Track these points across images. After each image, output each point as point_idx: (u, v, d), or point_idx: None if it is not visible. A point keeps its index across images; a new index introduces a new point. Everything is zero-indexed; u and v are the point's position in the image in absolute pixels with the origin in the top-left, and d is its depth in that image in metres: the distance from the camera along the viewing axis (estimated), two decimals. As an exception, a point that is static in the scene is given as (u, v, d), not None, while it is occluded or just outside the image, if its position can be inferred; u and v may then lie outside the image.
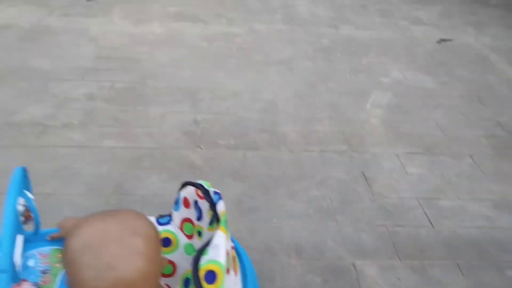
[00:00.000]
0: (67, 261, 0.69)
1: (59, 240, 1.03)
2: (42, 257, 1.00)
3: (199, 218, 1.01)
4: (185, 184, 1.03)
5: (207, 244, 0.82)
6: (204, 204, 0.99)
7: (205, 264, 0.78)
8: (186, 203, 1.05)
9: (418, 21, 4.43)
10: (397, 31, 4.12)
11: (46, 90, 2.65)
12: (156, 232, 0.75)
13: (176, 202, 1.06)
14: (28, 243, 1.00)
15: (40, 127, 2.31)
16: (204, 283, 0.76)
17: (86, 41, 3.37)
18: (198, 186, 0.99)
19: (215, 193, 0.95)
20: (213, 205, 0.94)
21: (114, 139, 2.27)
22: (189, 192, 1.03)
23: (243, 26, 4.04)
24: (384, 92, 2.99)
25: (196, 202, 1.02)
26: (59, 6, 4.06)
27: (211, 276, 0.77)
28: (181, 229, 1.07)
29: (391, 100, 2.89)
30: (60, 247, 1.01)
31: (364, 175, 2.15)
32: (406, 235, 1.79)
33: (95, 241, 0.68)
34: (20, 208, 0.95)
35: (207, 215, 0.98)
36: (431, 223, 1.87)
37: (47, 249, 1.01)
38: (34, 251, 1.00)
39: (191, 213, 1.04)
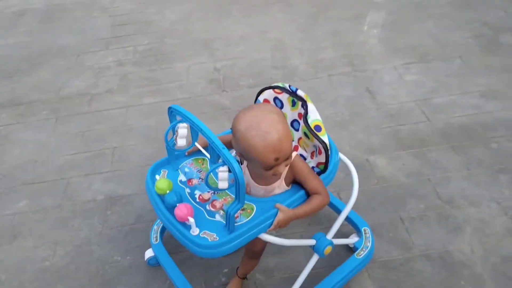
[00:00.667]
0: (239, 139, 1.15)
1: (193, 153, 1.42)
2: (191, 165, 1.38)
3: (281, 108, 1.42)
4: (261, 90, 1.42)
5: (306, 113, 1.30)
6: (283, 96, 1.40)
7: (312, 122, 1.29)
8: (266, 102, 1.44)
9: None
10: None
11: (81, 63, 3.01)
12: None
13: None
14: (177, 159, 1.39)
15: (88, 96, 2.70)
16: (316, 133, 1.27)
17: (99, 13, 3.65)
18: (274, 87, 1.40)
19: (290, 86, 1.37)
20: (292, 93, 1.36)
21: (152, 96, 2.65)
22: (268, 94, 1.42)
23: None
24: (378, 12, 3.25)
25: (275, 98, 1.42)
26: (63, -18, 4.28)
27: (318, 128, 1.28)
28: None
29: (385, 18, 3.16)
30: (196, 157, 1.41)
31: (368, 90, 2.51)
32: (407, 131, 2.18)
33: (252, 121, 1.13)
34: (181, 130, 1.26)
35: (287, 103, 1.40)
36: (428, 118, 2.25)
37: (189, 160, 1.40)
38: (184, 163, 1.39)
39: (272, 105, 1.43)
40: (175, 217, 1.17)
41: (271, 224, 1.19)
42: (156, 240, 1.69)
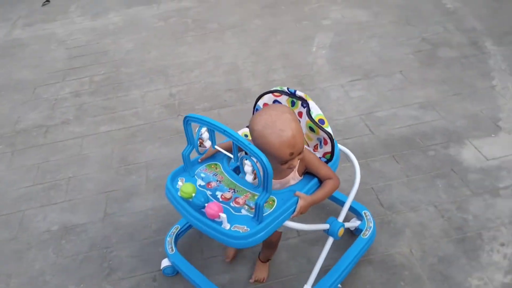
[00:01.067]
0: (256, 138, 1.28)
1: (205, 160, 1.49)
2: (205, 170, 1.46)
3: None
4: (261, 95, 1.56)
5: (308, 110, 1.45)
6: (282, 99, 1.54)
7: (315, 116, 1.44)
8: (266, 106, 1.55)
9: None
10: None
11: (38, 96, 3.03)
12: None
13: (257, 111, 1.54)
14: (193, 166, 1.47)
15: (44, 128, 2.72)
16: (321, 125, 1.43)
17: (56, 45, 3.70)
18: (273, 91, 1.54)
19: (288, 88, 1.52)
20: (291, 94, 1.50)
21: (107, 125, 2.70)
22: (267, 98, 1.56)
23: (192, -2, 4.37)
24: (326, 34, 3.42)
25: (274, 101, 1.55)
26: (19, 17, 4.32)
27: (322, 121, 1.44)
28: None
29: (332, 39, 3.33)
30: (209, 163, 1.48)
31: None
32: (353, 144, 2.30)
33: (268, 121, 1.27)
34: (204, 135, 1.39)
35: (287, 104, 1.53)
36: (371, 131, 2.38)
37: (203, 166, 1.48)
38: (199, 170, 1.47)
39: None
40: (205, 216, 1.27)
41: (294, 211, 1.32)
42: (172, 250, 1.75)
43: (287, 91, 1.51)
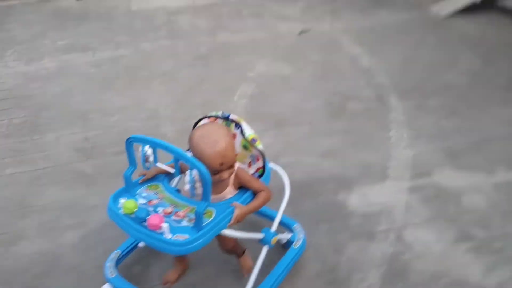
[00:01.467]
0: (193, 146, 1.49)
1: (146, 182, 1.61)
2: (146, 190, 1.57)
3: None
4: (198, 121, 1.76)
5: (242, 130, 1.70)
6: (217, 122, 1.74)
7: (248, 136, 1.68)
8: None
9: (285, 17, 5.13)
10: (266, 30, 4.77)
11: None
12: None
13: None
14: (134, 187, 1.58)
15: None
16: (253, 144, 1.67)
17: (-19, 87, 3.68)
18: (209, 116, 1.76)
19: (222, 112, 1.75)
20: (225, 118, 1.73)
21: (14, 167, 2.66)
22: (203, 123, 1.74)
23: (129, 47, 4.50)
24: (249, 84, 3.59)
25: None
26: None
27: (254, 140, 1.68)
28: None
29: (254, 90, 3.49)
30: (149, 184, 1.59)
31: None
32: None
33: (204, 133, 1.50)
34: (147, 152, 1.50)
35: None
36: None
37: (144, 187, 1.59)
38: (140, 191, 1.57)
39: None
40: (147, 229, 1.38)
41: (231, 219, 1.47)
42: (113, 274, 1.75)
43: (221, 115, 1.74)
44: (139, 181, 1.59)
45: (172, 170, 1.50)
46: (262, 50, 4.26)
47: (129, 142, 1.48)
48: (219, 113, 1.74)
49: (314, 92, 3.41)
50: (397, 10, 5.12)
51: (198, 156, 1.45)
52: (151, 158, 1.49)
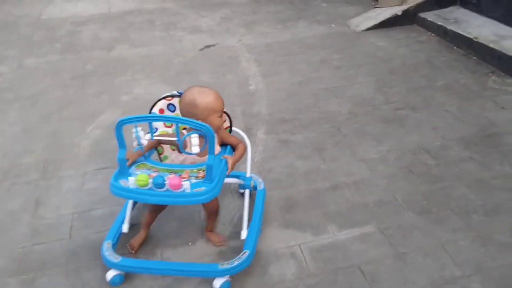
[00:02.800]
0: (183, 108, 1.77)
1: (132, 164, 1.75)
2: (137, 170, 1.72)
3: (174, 110, 2.00)
4: (155, 103, 1.97)
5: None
6: (174, 101, 1.98)
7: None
8: (162, 112, 2.00)
9: (196, 30, 4.76)
10: (169, 44, 4.40)
11: None
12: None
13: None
14: (126, 169, 1.71)
15: None
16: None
17: None
18: (165, 97, 1.97)
19: (177, 91, 1.96)
20: (181, 94, 1.88)
21: None
22: (161, 104, 1.99)
23: (13, 63, 4.13)
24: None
25: (168, 105, 1.99)
26: None
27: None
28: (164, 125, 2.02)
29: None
30: (137, 164, 1.75)
31: (38, 201, 2.34)
32: (42, 251, 2.01)
33: (199, 90, 1.77)
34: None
35: (178, 103, 1.94)
36: (70, 235, 2.09)
37: (133, 168, 1.73)
38: (131, 171, 1.71)
39: (167, 112, 1.99)
40: (168, 191, 1.57)
41: (227, 169, 1.74)
42: (117, 258, 1.81)
43: (177, 93, 1.96)
44: (127, 164, 1.70)
45: (174, 138, 1.66)
46: (153, 68, 3.90)
47: (120, 125, 1.58)
48: (175, 92, 1.98)
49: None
50: (319, 22, 4.78)
51: (205, 108, 1.73)
52: (146, 137, 1.75)
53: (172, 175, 1.63)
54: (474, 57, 3.76)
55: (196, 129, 1.59)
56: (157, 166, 1.73)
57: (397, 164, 2.52)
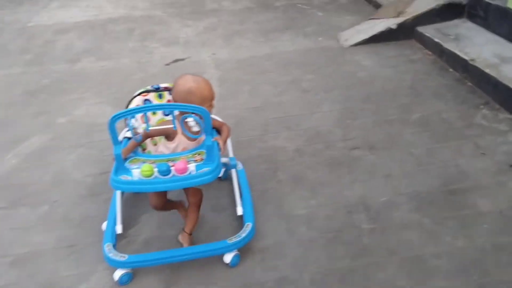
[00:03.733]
0: (177, 95, 1.79)
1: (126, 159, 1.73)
2: (133, 164, 1.69)
3: None
4: (131, 99, 1.97)
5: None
6: (150, 96, 2.01)
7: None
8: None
9: (173, 41, 4.44)
10: (137, 58, 4.10)
11: None
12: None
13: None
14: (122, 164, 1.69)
15: None
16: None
17: None
18: (141, 92, 1.99)
19: (152, 86, 2.01)
20: (156, 89, 2.02)
21: None
22: (137, 100, 1.97)
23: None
24: (43, 136, 2.94)
25: (145, 101, 1.99)
26: None
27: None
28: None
29: (40, 145, 2.84)
30: (130, 159, 1.73)
31: None
32: None
33: (192, 78, 1.81)
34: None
35: (154, 99, 2.02)
36: None
37: (127, 164, 1.69)
38: (127, 165, 1.68)
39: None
40: (175, 176, 1.60)
41: (220, 149, 1.75)
42: (124, 257, 1.80)
43: (152, 88, 2.01)
44: (123, 157, 1.69)
45: (170, 125, 1.70)
46: (107, 85, 3.60)
47: (113, 121, 1.56)
48: (149, 87, 2.01)
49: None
50: (305, 35, 4.30)
51: (198, 95, 1.77)
52: (140, 128, 1.81)
53: (177, 161, 1.65)
54: (469, 83, 3.16)
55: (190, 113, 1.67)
56: (151, 158, 1.71)
57: (323, 226, 2.05)
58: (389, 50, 3.85)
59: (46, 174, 2.56)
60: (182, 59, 4.01)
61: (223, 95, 3.29)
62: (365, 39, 3.97)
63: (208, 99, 1.81)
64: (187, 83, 1.79)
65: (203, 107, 1.61)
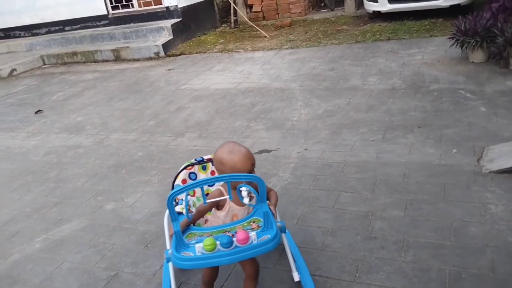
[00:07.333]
0: (227, 161, 1.81)
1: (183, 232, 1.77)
2: (190, 240, 1.70)
3: (195, 178, 2.12)
4: (177, 174, 2.08)
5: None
6: (195, 169, 2.12)
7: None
8: (184, 182, 2.07)
9: (279, 125, 3.95)
10: (231, 140, 3.75)
11: None
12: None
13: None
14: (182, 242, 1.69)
15: None
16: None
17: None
18: (185, 167, 2.09)
19: (196, 159, 2.12)
20: (200, 162, 2.11)
21: None
22: (183, 174, 2.08)
23: (94, 131, 4.40)
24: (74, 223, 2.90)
25: (190, 174, 2.11)
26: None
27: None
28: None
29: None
30: (186, 234, 1.74)
31: None
32: None
33: (230, 148, 1.85)
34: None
35: (198, 172, 2.12)
36: None
37: (185, 240, 1.70)
38: (186, 242, 1.69)
39: (189, 181, 2.07)
40: (238, 247, 1.59)
41: (273, 215, 1.78)
42: None
43: (195, 161, 2.11)
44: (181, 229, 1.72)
45: (226, 195, 1.76)
46: (170, 173, 3.35)
47: (171, 198, 1.62)
48: (192, 160, 2.11)
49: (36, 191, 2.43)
50: (438, 141, 3.13)
51: (232, 167, 1.78)
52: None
53: (238, 230, 1.63)
54: None
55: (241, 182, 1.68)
56: (207, 231, 1.70)
57: None
58: None
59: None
60: (268, 151, 3.45)
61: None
62: (519, 167, 2.55)
63: (241, 171, 1.76)
64: (222, 153, 1.83)
65: (257, 176, 1.65)
